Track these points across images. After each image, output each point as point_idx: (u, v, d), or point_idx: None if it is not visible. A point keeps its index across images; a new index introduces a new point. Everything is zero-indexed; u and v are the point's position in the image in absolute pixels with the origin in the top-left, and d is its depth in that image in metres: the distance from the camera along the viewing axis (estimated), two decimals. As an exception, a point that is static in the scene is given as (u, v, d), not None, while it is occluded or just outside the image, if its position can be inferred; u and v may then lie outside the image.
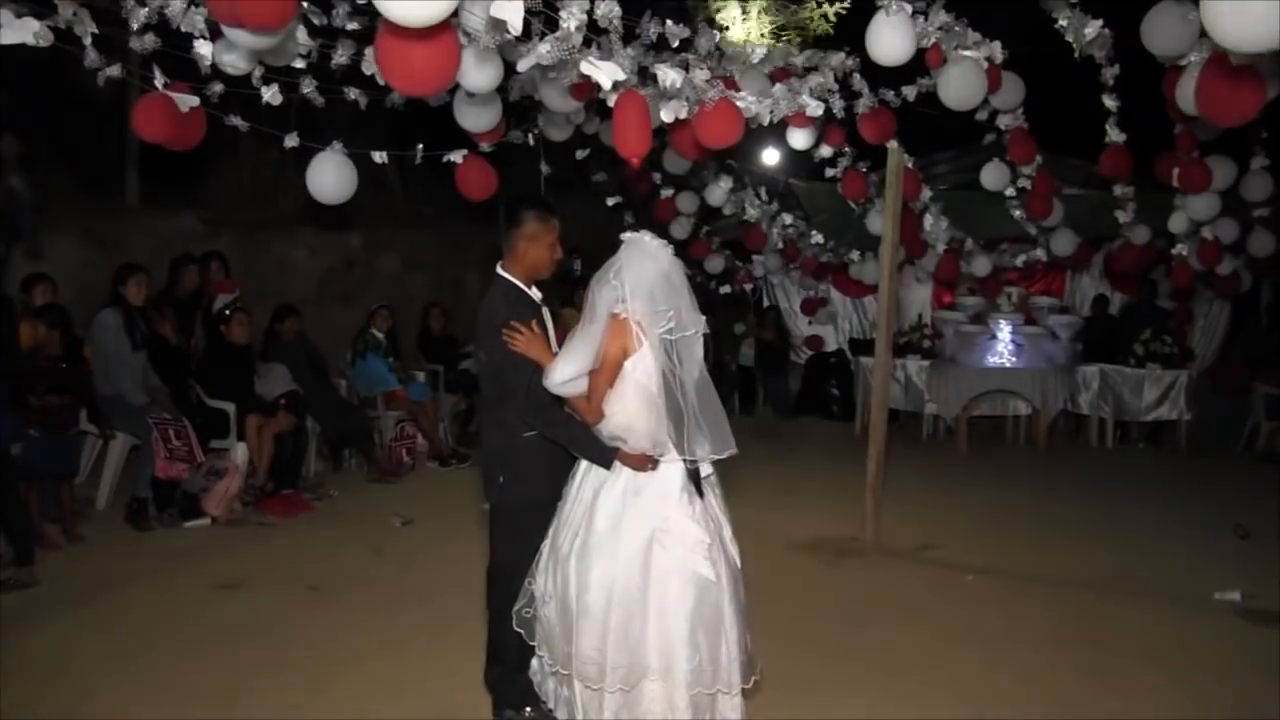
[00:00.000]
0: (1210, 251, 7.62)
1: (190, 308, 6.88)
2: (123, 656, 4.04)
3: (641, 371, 3.01)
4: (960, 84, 5.00)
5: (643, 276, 3.00)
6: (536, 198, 3.55)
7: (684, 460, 3.04)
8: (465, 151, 5.43)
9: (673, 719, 2.95)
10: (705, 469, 3.14)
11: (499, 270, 3.36)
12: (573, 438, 3.18)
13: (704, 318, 3.12)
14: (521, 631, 3.21)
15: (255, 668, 3.94)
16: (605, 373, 3.02)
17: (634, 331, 2.99)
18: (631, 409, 3.02)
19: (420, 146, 5.40)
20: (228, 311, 6.66)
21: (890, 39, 4.31)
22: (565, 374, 3.04)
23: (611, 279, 3.03)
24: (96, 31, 3.72)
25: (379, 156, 4.99)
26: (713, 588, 2.97)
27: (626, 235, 3.15)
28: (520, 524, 3.30)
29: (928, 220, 8.08)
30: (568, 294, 9.83)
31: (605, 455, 3.08)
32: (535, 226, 3.30)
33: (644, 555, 2.95)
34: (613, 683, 2.93)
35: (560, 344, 3.35)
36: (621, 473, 3.06)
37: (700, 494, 3.08)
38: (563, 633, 3.04)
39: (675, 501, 3.02)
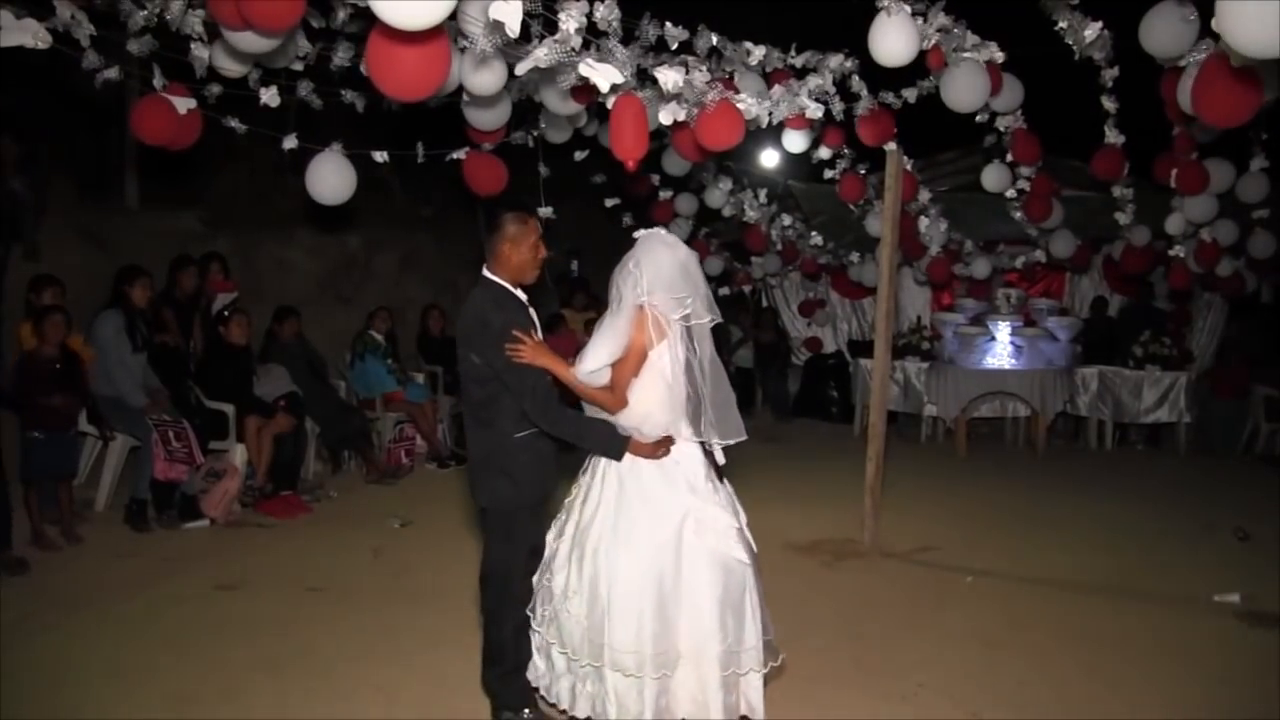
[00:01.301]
0: (1209, 253, 7.63)
1: (189, 309, 6.88)
2: (121, 658, 4.03)
3: (664, 362, 3.09)
4: (964, 86, 4.99)
5: (660, 265, 3.10)
6: (514, 200, 3.57)
7: (699, 442, 3.14)
8: (466, 150, 5.44)
9: (704, 700, 3.00)
10: (719, 459, 3.20)
11: (485, 273, 3.34)
12: (580, 434, 3.20)
13: (713, 299, 3.21)
14: (541, 631, 3.22)
15: (254, 669, 3.94)
16: (630, 362, 3.10)
17: (658, 321, 3.07)
18: (651, 398, 3.09)
19: (420, 145, 5.40)
20: (226, 313, 6.66)
21: (893, 40, 4.30)
22: (596, 362, 3.10)
23: (631, 268, 3.12)
24: (95, 33, 3.72)
25: (379, 156, 5.00)
26: (740, 570, 3.06)
27: (641, 232, 3.23)
28: (513, 526, 3.30)
29: (923, 222, 8.08)
30: (566, 294, 9.85)
31: (615, 448, 3.13)
32: (515, 229, 3.28)
33: (675, 542, 3.02)
34: (654, 669, 2.96)
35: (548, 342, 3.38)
36: (644, 463, 3.11)
37: (720, 477, 3.17)
38: (593, 626, 3.05)
39: (702, 489, 3.10)
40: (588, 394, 3.17)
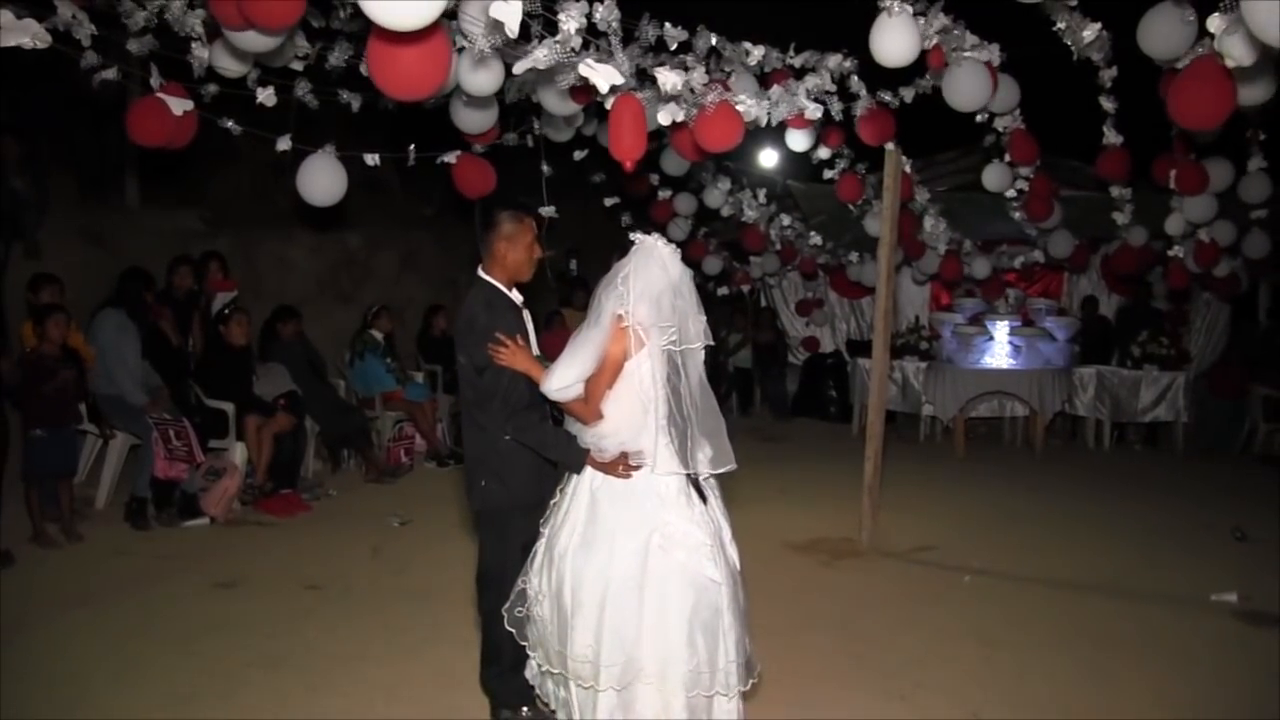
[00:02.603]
0: (1208, 253, 7.64)
1: (187, 307, 6.89)
2: (121, 656, 4.04)
3: (643, 371, 2.99)
4: (967, 85, 4.99)
5: (650, 285, 2.96)
6: (510, 198, 3.46)
7: (684, 474, 3.02)
8: (459, 153, 5.43)
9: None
10: (702, 474, 3.13)
11: (480, 273, 3.32)
12: (544, 442, 3.17)
13: (705, 322, 3.07)
14: (513, 631, 3.20)
15: (253, 667, 3.95)
16: (605, 374, 3.00)
17: (637, 332, 2.97)
18: (622, 412, 3.01)
19: (412, 148, 5.40)
20: (226, 312, 6.67)
21: (895, 40, 4.31)
22: (563, 380, 3.02)
23: (619, 285, 2.99)
24: (96, 33, 3.73)
25: (371, 159, 4.99)
26: (713, 589, 2.94)
27: (639, 237, 3.08)
28: (506, 527, 3.30)
29: (927, 222, 8.09)
30: (565, 294, 9.85)
31: (576, 459, 3.07)
32: (511, 227, 3.25)
33: (641, 555, 2.93)
34: (605, 681, 2.90)
35: (542, 345, 3.34)
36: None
37: (703, 498, 3.06)
38: (556, 631, 3.02)
39: (673, 504, 3.00)
40: (563, 405, 3.12)
